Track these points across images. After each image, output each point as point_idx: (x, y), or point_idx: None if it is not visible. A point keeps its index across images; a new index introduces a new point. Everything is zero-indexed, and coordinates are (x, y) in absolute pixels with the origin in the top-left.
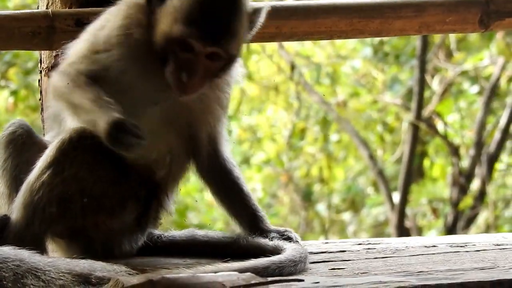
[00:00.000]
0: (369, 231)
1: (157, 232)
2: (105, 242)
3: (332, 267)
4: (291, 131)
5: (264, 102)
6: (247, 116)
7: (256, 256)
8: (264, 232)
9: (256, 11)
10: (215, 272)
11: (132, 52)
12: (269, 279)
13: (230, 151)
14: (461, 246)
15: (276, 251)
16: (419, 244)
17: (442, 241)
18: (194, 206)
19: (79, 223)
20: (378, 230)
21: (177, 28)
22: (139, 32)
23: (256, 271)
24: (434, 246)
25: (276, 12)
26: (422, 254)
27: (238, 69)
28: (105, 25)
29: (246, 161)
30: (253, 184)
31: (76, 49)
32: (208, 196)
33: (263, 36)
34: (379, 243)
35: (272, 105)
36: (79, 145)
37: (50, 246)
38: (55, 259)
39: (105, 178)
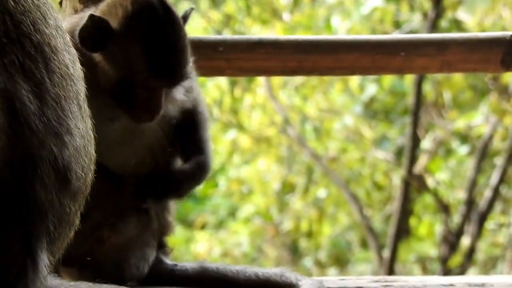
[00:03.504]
0: None
1: (169, 262)
2: (115, 263)
3: None
4: (281, 185)
5: (255, 154)
6: (238, 167)
7: None
8: None
9: (185, 17)
10: None
11: None
12: None
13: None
14: (479, 286)
15: (291, 285)
16: (437, 283)
17: (460, 281)
18: (180, 258)
19: (84, 241)
20: None
21: (143, 77)
22: None
23: None
24: (452, 285)
25: (297, 46)
26: None
27: None
28: None
29: (232, 214)
30: (239, 237)
31: None
32: (194, 248)
33: (284, 70)
34: (396, 281)
35: (263, 158)
36: None
37: (63, 275)
38: (77, 283)
39: (100, 191)
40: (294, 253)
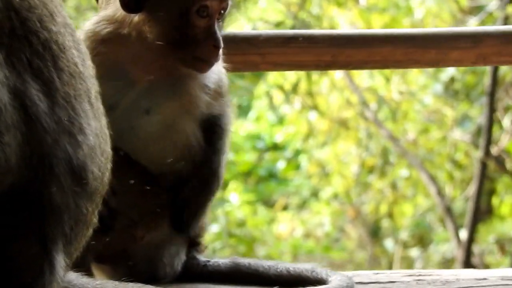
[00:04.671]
0: (437, 267)
1: (202, 258)
2: (148, 261)
3: None
4: (360, 167)
5: (334, 137)
6: (317, 149)
7: (300, 285)
8: None
9: None
10: None
11: (101, 71)
12: None
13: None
14: None
15: (320, 282)
16: (470, 276)
17: (494, 274)
18: (261, 239)
19: (118, 239)
20: (446, 266)
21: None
22: (108, 47)
23: None
24: (485, 279)
25: (331, 41)
26: (472, 287)
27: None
28: None
29: (315, 194)
30: (321, 218)
31: None
32: (276, 228)
33: (319, 64)
34: (429, 275)
35: (342, 141)
36: None
37: (96, 272)
38: (103, 281)
39: (135, 191)
40: (376, 233)
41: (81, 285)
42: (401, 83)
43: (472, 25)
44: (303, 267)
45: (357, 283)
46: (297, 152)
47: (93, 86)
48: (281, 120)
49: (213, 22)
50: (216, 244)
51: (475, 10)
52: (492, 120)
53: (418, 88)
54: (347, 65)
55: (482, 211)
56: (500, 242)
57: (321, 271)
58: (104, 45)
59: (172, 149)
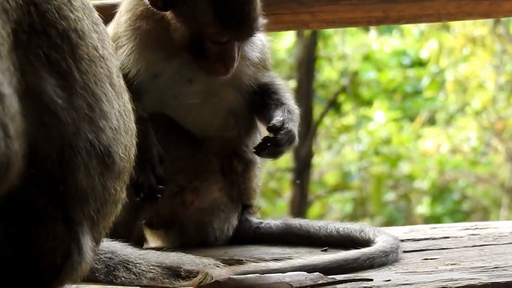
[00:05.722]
0: None
1: (255, 220)
2: (199, 226)
3: (425, 257)
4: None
5: (468, 55)
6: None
7: (348, 247)
8: None
9: None
10: (283, 272)
11: (144, 42)
12: (337, 278)
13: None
14: None
15: (368, 243)
16: None
17: None
18: (406, 156)
19: (168, 205)
20: None
21: (212, 31)
22: (147, 23)
23: (346, 262)
24: None
25: None
26: None
27: None
28: (114, 23)
29: (461, 109)
30: (467, 132)
31: None
32: (422, 145)
33: (370, 21)
34: (486, 228)
35: (476, 58)
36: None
37: (149, 237)
38: (146, 251)
39: (183, 156)
40: None
41: (125, 255)
42: None
43: None
44: (352, 227)
45: (410, 240)
46: (442, 69)
47: (113, 65)
48: (422, 35)
49: (229, 48)
50: (362, 162)
51: None
52: None
53: None
54: (399, 20)
55: None
56: None
57: (369, 231)
58: (144, 21)
59: (215, 116)
